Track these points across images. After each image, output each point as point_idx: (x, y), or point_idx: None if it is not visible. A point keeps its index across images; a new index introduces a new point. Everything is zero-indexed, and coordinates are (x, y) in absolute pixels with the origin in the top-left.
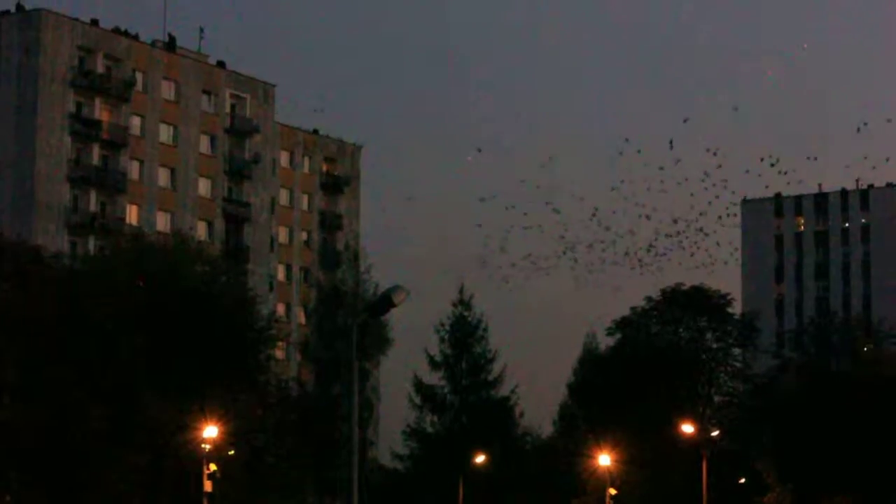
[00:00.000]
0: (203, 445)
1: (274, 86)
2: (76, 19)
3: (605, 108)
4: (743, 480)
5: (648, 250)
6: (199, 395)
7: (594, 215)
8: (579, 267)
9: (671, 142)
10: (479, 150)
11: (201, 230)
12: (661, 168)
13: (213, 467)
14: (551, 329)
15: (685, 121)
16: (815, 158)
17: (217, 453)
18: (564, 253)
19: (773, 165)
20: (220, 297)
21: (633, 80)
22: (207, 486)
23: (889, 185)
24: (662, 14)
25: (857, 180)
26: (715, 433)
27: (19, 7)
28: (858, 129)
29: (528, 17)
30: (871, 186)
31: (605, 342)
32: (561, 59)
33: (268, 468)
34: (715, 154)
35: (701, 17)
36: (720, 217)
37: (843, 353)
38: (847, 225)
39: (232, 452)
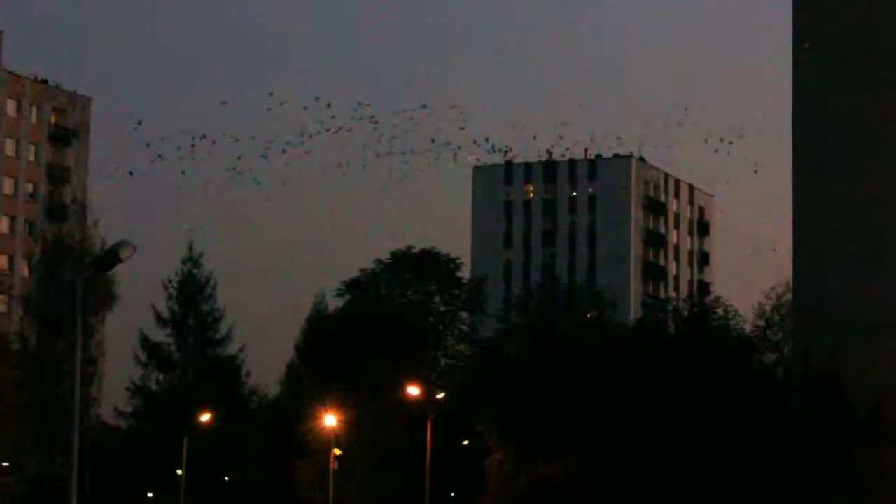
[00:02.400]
0: None
1: (1, 31)
2: None
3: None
4: (466, 443)
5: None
6: None
7: None
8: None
9: None
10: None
11: None
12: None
13: None
14: (280, 288)
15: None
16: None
17: None
18: None
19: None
20: None
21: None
22: None
23: (616, 155)
24: None
25: (586, 150)
26: (440, 396)
27: None
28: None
29: None
30: (599, 157)
31: (335, 304)
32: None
33: None
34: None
35: None
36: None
37: (568, 318)
38: (574, 194)
39: None
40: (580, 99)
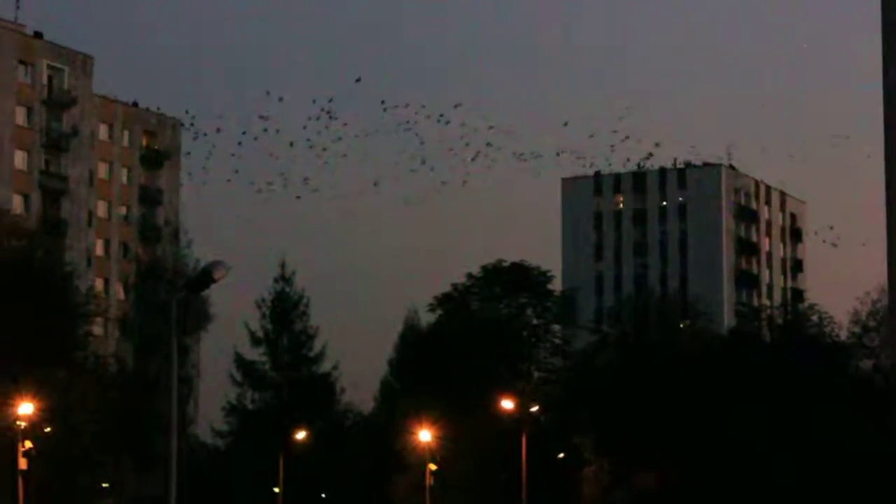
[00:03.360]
0: (18, 422)
1: (92, 57)
2: None
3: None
4: (562, 455)
5: None
6: (14, 371)
7: None
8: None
9: None
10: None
11: (17, 204)
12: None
13: (28, 444)
14: (373, 305)
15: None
16: (626, 137)
17: (33, 430)
18: None
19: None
20: (38, 271)
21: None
22: (22, 463)
23: (706, 163)
24: None
25: (675, 159)
26: (535, 408)
27: None
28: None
29: None
30: (688, 165)
31: (427, 318)
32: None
33: (85, 446)
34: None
35: None
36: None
37: (660, 329)
38: (664, 203)
39: (48, 430)
40: (668, 106)
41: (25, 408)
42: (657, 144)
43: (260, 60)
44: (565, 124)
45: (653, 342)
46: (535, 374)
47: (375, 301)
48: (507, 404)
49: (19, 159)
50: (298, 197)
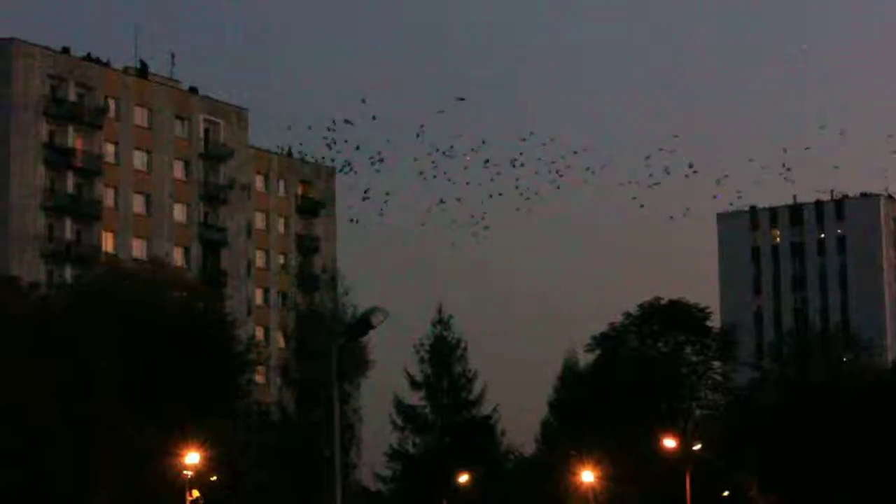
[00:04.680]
0: (185, 471)
1: (247, 110)
2: (47, 48)
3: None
4: (726, 493)
5: None
6: (179, 421)
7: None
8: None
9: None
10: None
11: (178, 256)
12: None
13: (195, 493)
14: (532, 346)
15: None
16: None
17: (199, 479)
18: None
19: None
20: (199, 322)
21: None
22: None
23: (864, 194)
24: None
25: (832, 191)
26: (697, 447)
27: None
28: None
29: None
30: (845, 197)
31: (585, 359)
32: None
33: (250, 493)
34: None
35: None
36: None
37: (823, 364)
38: (823, 236)
39: (214, 478)
40: (820, 139)
41: (192, 457)
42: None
43: (415, 101)
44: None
45: (816, 378)
46: (697, 412)
47: (534, 341)
48: (670, 443)
49: (179, 212)
50: (454, 244)
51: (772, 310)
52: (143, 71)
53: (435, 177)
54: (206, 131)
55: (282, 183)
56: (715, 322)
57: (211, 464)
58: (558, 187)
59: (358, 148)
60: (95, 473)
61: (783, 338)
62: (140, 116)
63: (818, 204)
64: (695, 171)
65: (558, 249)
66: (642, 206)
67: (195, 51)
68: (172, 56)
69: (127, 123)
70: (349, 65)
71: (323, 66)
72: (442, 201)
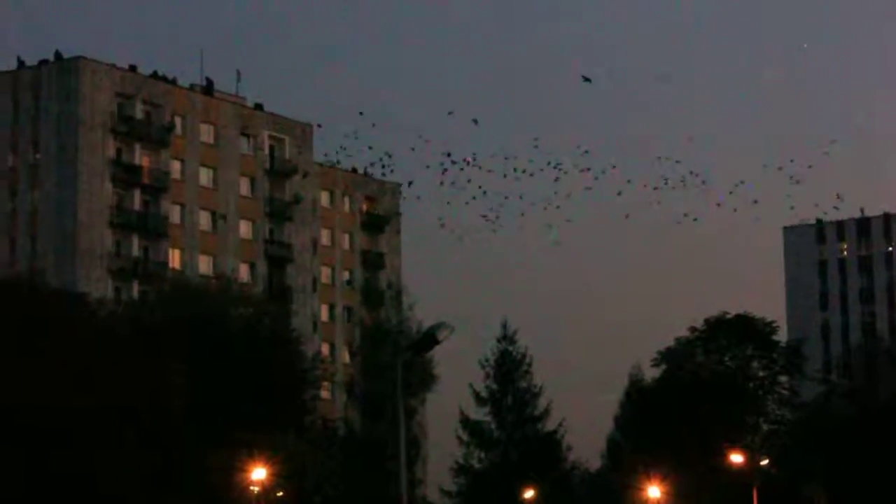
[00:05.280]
0: (252, 487)
1: (311, 126)
2: (114, 66)
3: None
4: None
5: None
6: (246, 437)
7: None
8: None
9: None
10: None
11: (244, 272)
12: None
13: None
14: (597, 361)
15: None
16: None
17: (265, 495)
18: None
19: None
20: (265, 338)
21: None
22: None
23: None
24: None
25: None
26: (764, 462)
27: (58, 55)
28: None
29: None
30: None
31: (651, 373)
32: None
33: None
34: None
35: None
36: None
37: (891, 377)
38: (890, 249)
39: (281, 494)
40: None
41: (259, 473)
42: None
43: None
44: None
45: (884, 392)
46: (764, 427)
47: (599, 356)
48: (737, 458)
49: (245, 229)
50: (520, 260)
51: (839, 323)
52: (208, 88)
53: (507, 198)
54: (272, 148)
55: (347, 199)
56: (782, 336)
57: (277, 479)
58: (619, 194)
59: (428, 167)
60: (164, 490)
61: (851, 352)
62: (206, 133)
63: (886, 217)
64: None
65: (624, 263)
66: (695, 219)
67: (260, 67)
68: (238, 73)
69: (193, 140)
70: (417, 81)
71: (387, 81)
72: (488, 217)
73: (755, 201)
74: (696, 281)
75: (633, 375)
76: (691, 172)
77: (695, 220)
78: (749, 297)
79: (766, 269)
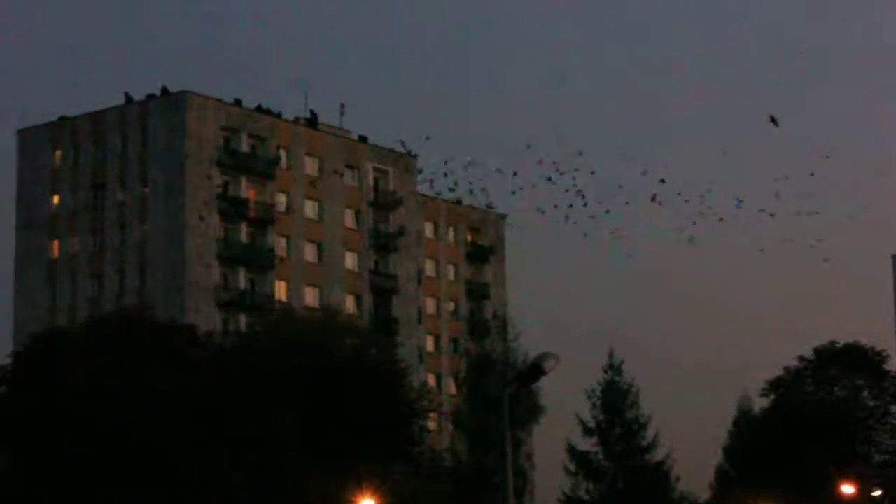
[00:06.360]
0: None
1: (415, 157)
2: (220, 100)
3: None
4: None
5: None
6: (353, 469)
7: None
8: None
9: None
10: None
11: (349, 304)
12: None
13: None
14: (702, 391)
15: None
16: None
17: None
18: None
19: None
20: (371, 369)
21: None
22: None
23: None
24: None
25: None
26: (877, 493)
27: (165, 90)
28: None
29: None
30: None
31: (760, 403)
32: None
33: None
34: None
35: None
36: None
37: None
38: None
39: None
40: None
41: (366, 503)
42: None
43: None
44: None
45: None
46: (876, 457)
47: (708, 385)
48: (848, 489)
49: (350, 261)
50: (624, 290)
51: None
52: (313, 121)
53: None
54: (376, 179)
55: (451, 230)
56: (892, 365)
57: None
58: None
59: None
60: None
61: None
62: (311, 166)
63: None
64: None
65: (729, 292)
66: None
67: (363, 99)
68: (342, 106)
69: (298, 173)
70: (515, 110)
71: (488, 112)
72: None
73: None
74: (805, 311)
75: (742, 405)
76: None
77: (811, 245)
78: (859, 327)
79: (876, 298)
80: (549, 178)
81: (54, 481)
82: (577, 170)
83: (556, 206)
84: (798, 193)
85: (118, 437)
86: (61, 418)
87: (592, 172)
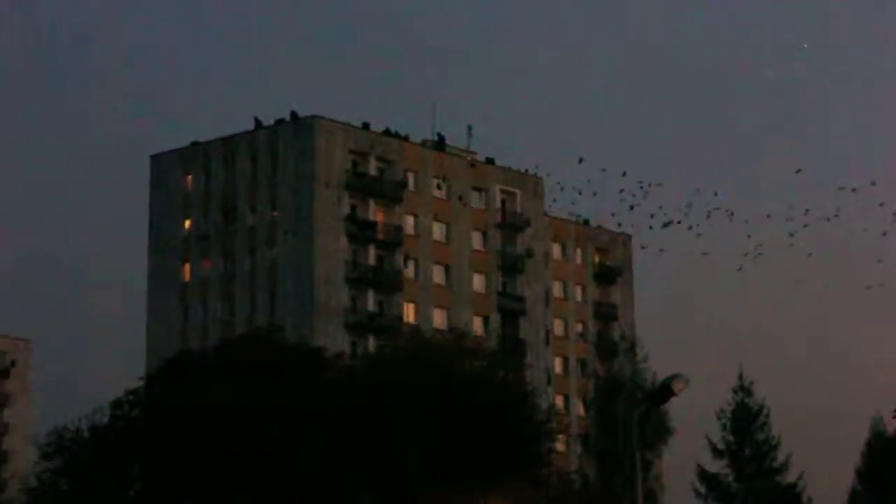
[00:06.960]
0: None
1: (542, 178)
2: (348, 124)
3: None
4: None
5: None
6: (482, 489)
7: None
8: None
9: None
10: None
11: (477, 325)
12: None
13: None
14: (835, 409)
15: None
16: None
17: None
18: None
19: None
20: (499, 390)
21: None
22: None
23: None
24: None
25: None
26: None
27: (294, 115)
28: None
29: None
30: None
31: (893, 424)
32: None
33: None
34: None
35: None
36: None
37: None
38: None
39: None
40: None
41: None
42: None
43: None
44: None
45: None
46: None
47: (840, 406)
48: None
49: (478, 282)
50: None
51: None
52: (440, 143)
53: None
54: (503, 201)
55: (579, 251)
56: None
57: None
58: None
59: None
60: None
61: None
62: (438, 189)
63: None
64: None
65: (861, 311)
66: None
67: (490, 120)
68: (469, 128)
69: (425, 196)
70: (646, 129)
71: (613, 130)
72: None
73: None
74: None
75: (875, 426)
76: None
77: None
78: None
79: None
80: (684, 214)
81: (187, 502)
82: (716, 193)
83: (682, 225)
84: None
85: (252, 458)
86: (195, 439)
87: (731, 214)
